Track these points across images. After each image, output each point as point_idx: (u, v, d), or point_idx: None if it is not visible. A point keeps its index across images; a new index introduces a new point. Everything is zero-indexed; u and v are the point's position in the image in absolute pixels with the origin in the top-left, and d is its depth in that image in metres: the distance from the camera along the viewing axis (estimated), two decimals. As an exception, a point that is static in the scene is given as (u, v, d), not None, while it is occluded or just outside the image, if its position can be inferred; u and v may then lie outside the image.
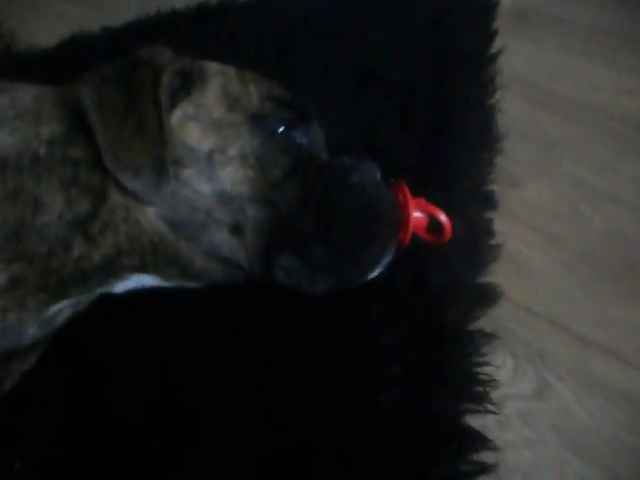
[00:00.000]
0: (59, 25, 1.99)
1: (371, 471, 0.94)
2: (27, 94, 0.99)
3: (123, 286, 1.04)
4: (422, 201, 1.07)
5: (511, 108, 1.60)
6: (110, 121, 0.89)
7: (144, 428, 0.99)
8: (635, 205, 1.37)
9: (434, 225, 1.07)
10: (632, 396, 1.05)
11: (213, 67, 1.06)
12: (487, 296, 1.17)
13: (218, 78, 1.03)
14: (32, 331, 0.96)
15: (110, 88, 0.92)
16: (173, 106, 0.96)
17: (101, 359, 1.07)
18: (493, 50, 1.76)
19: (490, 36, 1.81)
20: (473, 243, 1.25)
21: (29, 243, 0.90)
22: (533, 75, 1.74)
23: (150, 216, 0.95)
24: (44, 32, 1.93)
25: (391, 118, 1.51)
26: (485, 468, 0.95)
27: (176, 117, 0.96)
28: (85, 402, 1.03)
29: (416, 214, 1.05)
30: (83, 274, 0.96)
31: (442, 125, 1.48)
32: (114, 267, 0.98)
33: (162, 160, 0.89)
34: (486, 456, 0.96)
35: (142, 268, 1.00)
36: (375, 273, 1.04)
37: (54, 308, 0.97)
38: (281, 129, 1.02)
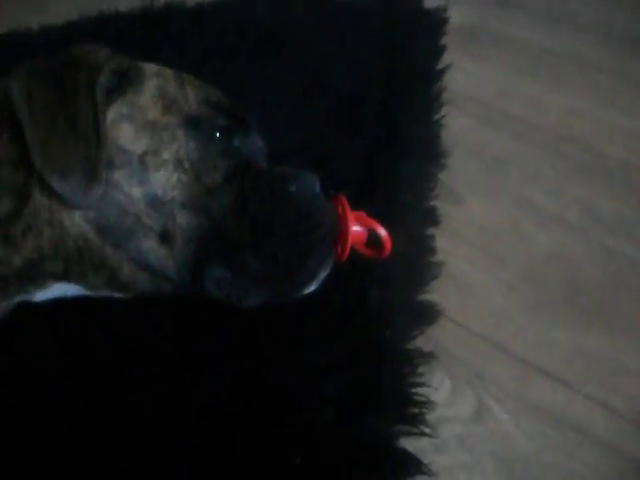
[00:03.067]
0: (-3, 22, 1.94)
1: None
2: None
3: (44, 295, 1.00)
4: (362, 215, 1.04)
5: (457, 125, 1.60)
6: (41, 118, 0.85)
7: (66, 441, 0.94)
8: (580, 227, 1.36)
9: (374, 240, 1.04)
10: (573, 421, 1.03)
11: (150, 68, 1.02)
12: (426, 314, 1.14)
13: (154, 79, 1.00)
14: (-58, 339, 0.91)
15: (42, 84, 0.88)
16: (107, 105, 0.92)
17: (18, 372, 1.02)
18: (440, 66, 1.77)
19: (438, 52, 1.82)
20: (413, 259, 1.22)
21: (-57, 244, 0.85)
22: (480, 93, 1.74)
23: (76, 219, 0.91)
24: (-19, 29, 1.88)
25: (336, 129, 1.49)
26: (419, 493, 0.92)
27: (109, 117, 0.92)
28: (6, 414, 0.97)
29: (355, 228, 1.02)
30: (0, 279, 0.92)
31: (387, 138, 1.47)
32: (35, 273, 0.94)
33: (95, 162, 0.85)
34: (420, 480, 0.93)
35: (65, 275, 0.96)
36: (311, 288, 1.01)
37: (-33, 315, 0.92)
38: (218, 134, 0.99)
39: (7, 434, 0.95)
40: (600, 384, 1.08)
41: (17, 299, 0.98)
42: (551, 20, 2.07)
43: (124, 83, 0.96)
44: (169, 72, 1.03)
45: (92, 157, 0.85)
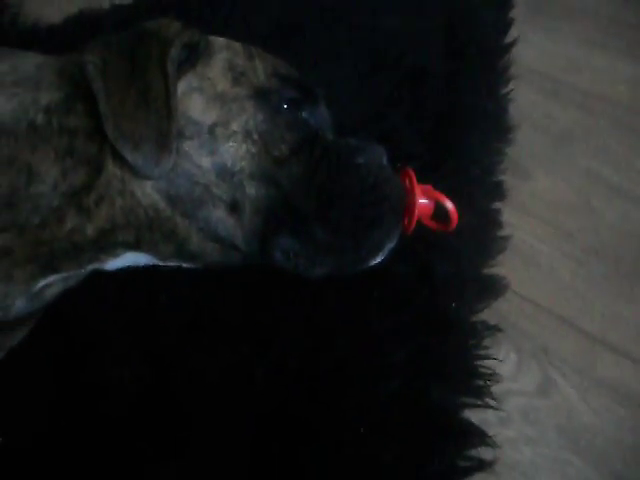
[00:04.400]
0: (68, 1, 1.95)
1: (365, 464, 0.92)
2: (28, 61, 0.97)
3: (115, 263, 1.01)
4: (429, 188, 1.04)
5: (525, 99, 1.58)
6: (114, 89, 0.86)
7: (132, 410, 0.97)
8: (649, 201, 1.34)
9: (440, 213, 1.03)
10: (638, 396, 1.02)
11: (219, 41, 1.03)
12: (493, 288, 1.15)
13: (224, 52, 1.00)
14: (20, 305, 0.93)
15: (116, 57, 0.89)
16: (178, 78, 0.93)
17: (91, 339, 1.05)
18: (508, 39, 1.74)
19: (505, 25, 1.78)
20: (480, 233, 1.22)
21: (21, 212, 0.87)
22: (548, 66, 1.71)
23: (147, 189, 0.92)
24: (52, 8, 1.90)
25: (402, 103, 1.48)
26: (482, 465, 0.93)
27: (180, 89, 0.93)
28: (74, 381, 1.00)
29: (422, 200, 1.01)
30: (75, 248, 0.93)
31: (453, 112, 1.46)
32: (108, 242, 0.95)
33: (167, 133, 0.86)
34: (484, 452, 0.94)
35: (136, 245, 0.97)
36: (378, 259, 1.01)
37: (43, 282, 0.94)
38: (286, 106, 0.99)
39: (76, 398, 0.99)
40: (667, 360, 1.07)
41: (90, 267, 0.99)
42: (622, -10, 2.02)
43: (194, 56, 0.97)
44: (238, 45, 1.04)
45: (163, 128, 0.86)
